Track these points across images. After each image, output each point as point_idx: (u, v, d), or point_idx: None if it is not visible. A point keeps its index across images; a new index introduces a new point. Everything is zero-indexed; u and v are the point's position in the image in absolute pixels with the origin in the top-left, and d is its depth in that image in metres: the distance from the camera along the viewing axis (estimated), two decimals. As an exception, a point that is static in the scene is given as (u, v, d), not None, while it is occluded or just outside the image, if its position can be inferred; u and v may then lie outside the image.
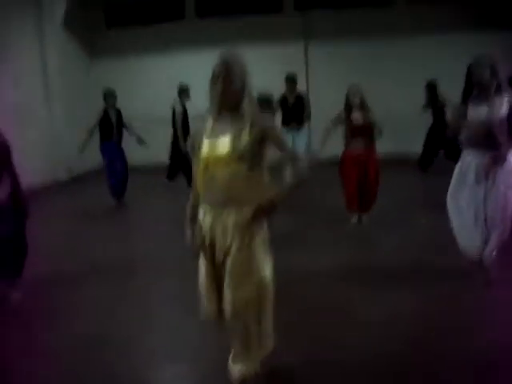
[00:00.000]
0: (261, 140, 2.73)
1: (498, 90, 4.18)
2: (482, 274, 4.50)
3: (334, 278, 4.86)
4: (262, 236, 2.82)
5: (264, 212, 2.74)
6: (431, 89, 9.77)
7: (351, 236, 6.27)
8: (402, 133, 10.58)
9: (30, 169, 7.78)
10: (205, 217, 2.82)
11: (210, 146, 2.73)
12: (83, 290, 4.95)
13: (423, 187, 9.00)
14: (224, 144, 2.70)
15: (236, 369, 2.93)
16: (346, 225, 6.56)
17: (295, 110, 8.52)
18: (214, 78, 2.73)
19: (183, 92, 8.81)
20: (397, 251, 5.58)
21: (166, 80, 11.58)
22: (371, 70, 11.32)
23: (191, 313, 3.49)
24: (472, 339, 3.59)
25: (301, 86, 10.52)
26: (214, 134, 2.75)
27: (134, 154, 9.08)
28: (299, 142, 8.34)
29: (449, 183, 4.56)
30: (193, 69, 10.95)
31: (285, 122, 8.53)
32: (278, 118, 8.41)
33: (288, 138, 8.05)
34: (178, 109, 8.69)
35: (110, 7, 12.64)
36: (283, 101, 8.51)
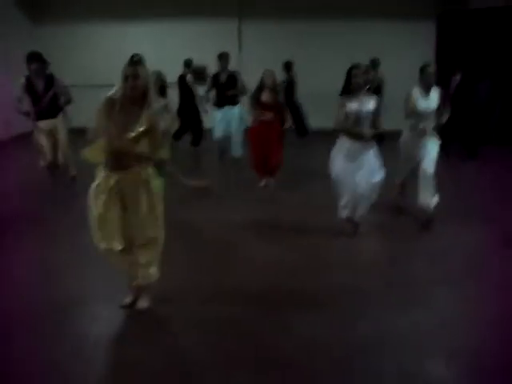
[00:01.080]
0: (147, 131, 3.59)
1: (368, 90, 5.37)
2: (350, 228, 5.62)
3: (239, 228, 5.86)
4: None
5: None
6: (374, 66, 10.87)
7: (259, 197, 7.28)
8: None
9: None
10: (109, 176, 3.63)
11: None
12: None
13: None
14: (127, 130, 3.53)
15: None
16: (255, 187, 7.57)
17: (227, 87, 8.55)
18: (125, 78, 3.50)
19: (190, 63, 10.00)
20: (289, 211, 6.59)
21: (107, 48, 12.27)
22: (302, 48, 12.27)
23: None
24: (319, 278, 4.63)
25: (233, 63, 11.40)
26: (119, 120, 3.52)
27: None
28: (232, 120, 8.58)
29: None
30: (132, 39, 11.67)
31: (218, 100, 8.70)
32: (211, 94, 8.85)
33: (219, 117, 8.56)
34: (189, 78, 9.78)
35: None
36: (215, 78, 8.66)
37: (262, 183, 7.60)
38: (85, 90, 12.24)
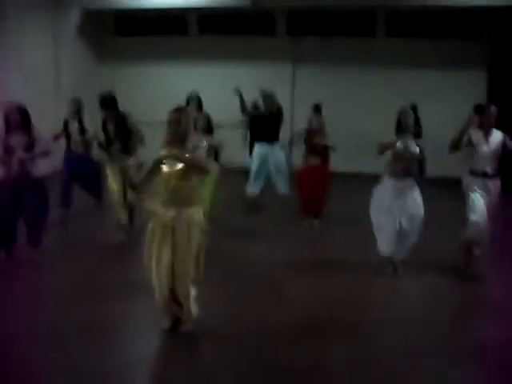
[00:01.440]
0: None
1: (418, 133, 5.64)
2: (391, 267, 5.78)
3: (284, 265, 6.09)
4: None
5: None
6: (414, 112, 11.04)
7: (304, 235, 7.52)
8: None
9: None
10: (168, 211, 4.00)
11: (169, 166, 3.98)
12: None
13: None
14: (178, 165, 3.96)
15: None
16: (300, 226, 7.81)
17: (270, 123, 8.33)
18: (169, 123, 3.97)
19: None
20: (334, 249, 6.78)
21: (164, 88, 12.91)
22: (351, 94, 12.62)
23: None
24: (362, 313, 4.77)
25: (286, 104, 11.84)
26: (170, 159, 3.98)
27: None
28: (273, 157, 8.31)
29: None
30: (191, 79, 12.23)
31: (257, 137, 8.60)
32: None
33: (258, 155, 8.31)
34: None
35: (120, 17, 13.88)
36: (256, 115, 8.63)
37: (307, 224, 7.79)
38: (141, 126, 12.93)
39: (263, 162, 8.28)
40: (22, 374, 3.56)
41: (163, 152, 4.00)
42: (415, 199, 5.60)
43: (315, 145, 7.57)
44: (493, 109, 5.62)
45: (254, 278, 5.64)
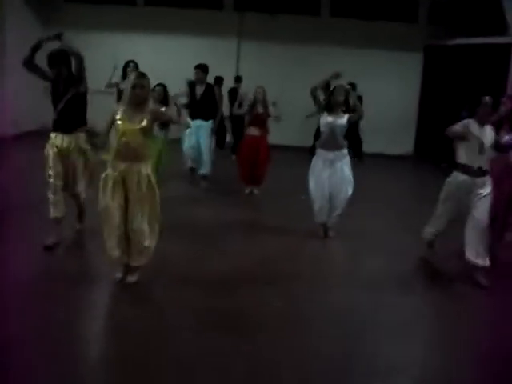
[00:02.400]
0: (153, 120, 4.50)
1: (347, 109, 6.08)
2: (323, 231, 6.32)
3: (224, 227, 6.52)
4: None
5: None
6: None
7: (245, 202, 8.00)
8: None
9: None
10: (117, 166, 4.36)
11: (125, 124, 4.33)
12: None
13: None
14: (135, 123, 4.35)
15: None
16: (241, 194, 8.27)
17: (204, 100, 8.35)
18: (134, 86, 4.35)
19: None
20: (272, 215, 7.27)
21: (110, 58, 12.94)
22: (291, 71, 13.07)
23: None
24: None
25: (231, 80, 12.20)
26: (127, 117, 4.36)
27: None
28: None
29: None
30: (137, 50, 12.32)
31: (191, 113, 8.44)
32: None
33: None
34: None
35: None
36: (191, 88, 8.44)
37: (247, 190, 8.22)
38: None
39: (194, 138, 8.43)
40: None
41: (121, 111, 4.39)
42: (344, 170, 6.10)
43: (257, 115, 7.94)
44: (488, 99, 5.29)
45: (196, 235, 6.04)
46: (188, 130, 8.34)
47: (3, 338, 3.50)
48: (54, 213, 5.18)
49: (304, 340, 3.84)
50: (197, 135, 8.36)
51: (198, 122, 8.27)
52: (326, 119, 6.01)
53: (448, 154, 9.24)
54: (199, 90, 8.35)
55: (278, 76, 12.50)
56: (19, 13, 12.41)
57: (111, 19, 13.43)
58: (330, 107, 6.03)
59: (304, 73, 12.79)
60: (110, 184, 4.36)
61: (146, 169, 4.43)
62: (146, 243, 4.49)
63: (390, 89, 13.28)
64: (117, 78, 8.41)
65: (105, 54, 13.29)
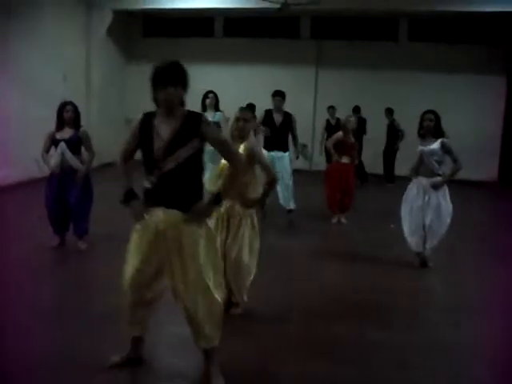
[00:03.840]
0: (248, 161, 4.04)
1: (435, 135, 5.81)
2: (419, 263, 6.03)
3: (312, 256, 6.36)
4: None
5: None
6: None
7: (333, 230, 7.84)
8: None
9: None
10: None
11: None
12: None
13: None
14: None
15: None
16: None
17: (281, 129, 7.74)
18: (236, 119, 4.26)
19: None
20: (362, 244, 7.05)
21: (191, 88, 13.20)
22: (372, 96, 12.93)
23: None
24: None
25: (309, 107, 12.23)
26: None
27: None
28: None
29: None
30: (216, 80, 12.56)
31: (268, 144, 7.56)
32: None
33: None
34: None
35: (148, 19, 14.29)
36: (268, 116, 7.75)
37: (335, 220, 8.08)
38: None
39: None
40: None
41: None
42: (442, 200, 5.83)
43: (348, 144, 7.86)
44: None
45: (290, 267, 5.93)
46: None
47: None
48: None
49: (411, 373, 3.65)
50: (279, 167, 7.28)
51: (279, 153, 7.57)
52: (419, 148, 5.88)
53: None
54: (278, 118, 7.65)
55: (355, 102, 12.35)
56: (103, 46, 12.96)
57: (190, 51, 13.74)
58: (420, 134, 5.93)
59: (382, 98, 12.71)
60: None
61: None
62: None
63: (471, 113, 12.92)
64: None
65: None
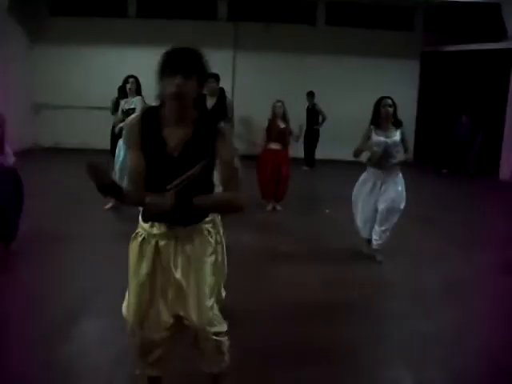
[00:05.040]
0: None
1: (395, 123, 5.42)
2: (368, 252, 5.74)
3: (247, 251, 5.75)
4: None
5: None
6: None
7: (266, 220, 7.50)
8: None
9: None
10: None
11: None
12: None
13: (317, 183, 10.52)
14: None
15: None
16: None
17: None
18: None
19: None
20: (299, 234, 6.76)
21: (101, 71, 12.62)
22: (289, 80, 12.84)
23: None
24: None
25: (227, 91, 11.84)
26: None
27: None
28: None
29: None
30: (128, 63, 11.98)
31: None
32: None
33: None
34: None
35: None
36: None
37: (269, 207, 7.88)
38: (77, 110, 12.75)
39: None
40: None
41: None
42: (397, 188, 5.51)
43: (278, 130, 7.64)
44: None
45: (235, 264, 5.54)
46: None
47: None
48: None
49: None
50: None
51: None
52: (378, 138, 5.36)
53: (448, 159, 9.03)
54: (210, 102, 7.09)
55: (274, 86, 12.19)
56: (3, 27, 11.94)
57: (101, 32, 13.05)
58: (377, 122, 5.40)
59: (301, 82, 12.64)
60: None
61: None
62: None
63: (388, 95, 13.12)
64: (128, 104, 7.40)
65: (97, 68, 13.02)
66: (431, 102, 13.27)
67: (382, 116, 5.32)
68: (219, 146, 2.43)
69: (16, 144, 11.84)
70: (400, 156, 5.40)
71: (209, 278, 2.60)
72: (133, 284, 2.59)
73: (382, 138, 5.34)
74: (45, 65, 12.90)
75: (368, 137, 5.42)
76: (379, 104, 5.34)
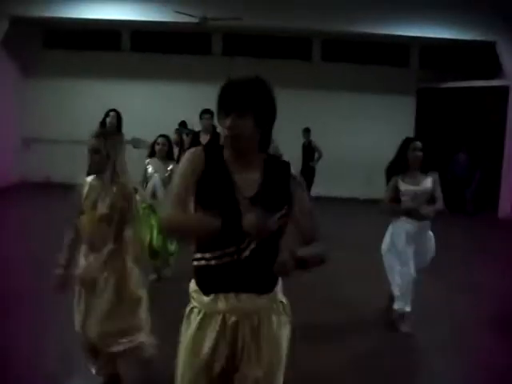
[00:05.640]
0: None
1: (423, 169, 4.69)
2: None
3: None
4: None
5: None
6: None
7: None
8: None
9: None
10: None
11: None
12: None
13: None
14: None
15: None
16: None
17: None
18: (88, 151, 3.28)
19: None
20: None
21: (95, 104, 12.41)
22: (285, 116, 12.65)
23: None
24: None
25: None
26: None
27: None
28: None
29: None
30: (122, 97, 11.83)
31: None
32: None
33: None
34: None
35: (48, 29, 13.23)
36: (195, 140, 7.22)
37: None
38: (68, 144, 12.50)
39: None
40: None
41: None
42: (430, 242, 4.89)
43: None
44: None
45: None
46: None
47: None
48: None
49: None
50: None
51: None
52: (407, 187, 4.65)
53: (445, 198, 8.53)
54: (204, 139, 6.89)
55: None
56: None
57: (94, 65, 12.93)
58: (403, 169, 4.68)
59: (296, 117, 12.47)
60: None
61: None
62: None
63: (382, 132, 13.02)
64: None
65: (92, 100, 12.82)
66: (427, 138, 13.05)
67: (411, 161, 4.64)
68: (296, 193, 2.08)
69: (4, 179, 11.69)
70: (438, 205, 4.68)
71: (281, 359, 2.15)
72: (187, 374, 2.11)
73: (411, 187, 4.65)
74: (36, 98, 12.73)
75: (395, 187, 4.69)
76: (407, 147, 4.65)
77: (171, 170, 5.60)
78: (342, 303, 5.42)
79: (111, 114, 6.99)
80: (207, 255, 2.04)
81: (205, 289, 2.08)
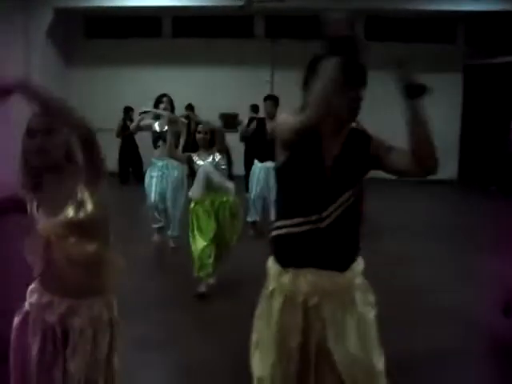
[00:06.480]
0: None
1: None
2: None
3: None
4: None
5: None
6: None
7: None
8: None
9: None
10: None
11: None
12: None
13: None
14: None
15: None
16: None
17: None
18: None
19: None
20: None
21: (137, 93, 12.47)
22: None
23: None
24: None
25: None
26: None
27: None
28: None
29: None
30: (164, 83, 11.81)
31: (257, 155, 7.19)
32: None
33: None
34: None
35: (90, 18, 13.36)
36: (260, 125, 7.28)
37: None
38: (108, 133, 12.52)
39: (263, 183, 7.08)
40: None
41: None
42: None
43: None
44: None
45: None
46: (257, 174, 7.06)
47: None
48: None
49: None
50: (266, 180, 6.90)
51: (269, 163, 6.58)
52: None
53: (496, 175, 8.22)
54: (271, 125, 6.68)
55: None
56: (43, 51, 11.96)
57: (137, 53, 12.97)
58: None
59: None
60: None
61: None
62: None
63: (430, 111, 12.70)
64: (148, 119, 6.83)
65: (133, 88, 12.89)
66: (476, 116, 12.77)
67: None
68: (379, 150, 2.15)
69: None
70: None
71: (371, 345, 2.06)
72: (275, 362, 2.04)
73: None
74: (79, 87, 12.85)
75: None
76: None
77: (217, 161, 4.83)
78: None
79: (164, 99, 6.86)
80: (288, 222, 2.03)
81: (284, 261, 2.05)
